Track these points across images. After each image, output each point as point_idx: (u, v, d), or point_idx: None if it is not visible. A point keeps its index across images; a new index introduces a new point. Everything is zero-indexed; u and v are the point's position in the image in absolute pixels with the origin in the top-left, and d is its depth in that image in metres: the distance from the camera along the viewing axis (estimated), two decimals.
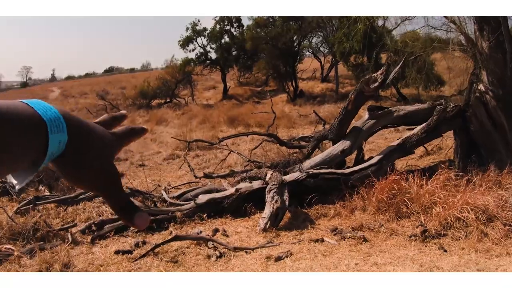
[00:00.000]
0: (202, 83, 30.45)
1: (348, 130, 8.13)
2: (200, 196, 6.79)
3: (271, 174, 6.58)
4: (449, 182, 6.73)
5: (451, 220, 5.83)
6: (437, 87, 18.92)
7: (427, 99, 13.53)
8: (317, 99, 20.69)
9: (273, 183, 6.22)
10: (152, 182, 9.04)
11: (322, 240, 5.62)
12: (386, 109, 8.21)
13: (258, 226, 5.92)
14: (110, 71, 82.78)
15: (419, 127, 7.80)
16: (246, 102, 22.48)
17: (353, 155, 8.44)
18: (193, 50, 26.34)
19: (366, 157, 8.58)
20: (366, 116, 8.12)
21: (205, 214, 6.53)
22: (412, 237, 5.60)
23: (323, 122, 10.75)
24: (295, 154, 10.15)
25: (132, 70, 74.46)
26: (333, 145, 8.17)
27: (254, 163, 8.28)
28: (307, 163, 7.91)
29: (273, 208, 5.87)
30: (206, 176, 7.83)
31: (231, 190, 6.80)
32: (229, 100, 23.48)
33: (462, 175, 6.95)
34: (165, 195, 7.19)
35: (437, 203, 6.32)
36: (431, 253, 5.23)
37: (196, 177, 7.92)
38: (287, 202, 6.06)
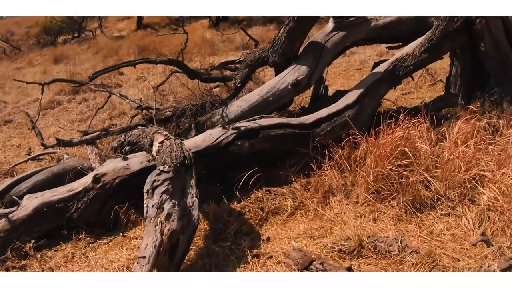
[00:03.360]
0: None
1: (302, 49, 4.52)
2: (25, 200, 3.02)
3: (163, 141, 2.91)
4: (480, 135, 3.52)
5: None
6: None
7: None
8: (243, 23, 16.66)
9: (164, 167, 2.55)
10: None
11: None
12: (359, 16, 4.60)
13: None
14: None
15: (414, 44, 4.39)
16: (162, 29, 18.04)
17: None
18: None
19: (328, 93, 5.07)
20: (330, 25, 4.50)
21: (33, 242, 2.85)
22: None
23: (254, 43, 7.03)
24: (216, 89, 6.48)
25: None
26: (276, 73, 4.57)
27: (150, 110, 4.54)
28: (235, 107, 4.32)
29: (161, 234, 2.23)
30: (61, 143, 4.04)
31: (85, 179, 3.09)
32: (144, 30, 18.92)
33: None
34: None
35: (483, 179, 3.06)
36: None
37: (44, 145, 4.13)
38: (195, 213, 2.42)
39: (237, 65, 5.28)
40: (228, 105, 4.41)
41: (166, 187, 2.38)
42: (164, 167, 2.49)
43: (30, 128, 7.15)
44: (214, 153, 3.27)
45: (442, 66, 6.54)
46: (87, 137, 4.05)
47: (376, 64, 5.38)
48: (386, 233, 2.82)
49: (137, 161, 3.11)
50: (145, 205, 2.35)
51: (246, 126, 3.41)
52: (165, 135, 2.92)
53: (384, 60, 4.98)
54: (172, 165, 2.51)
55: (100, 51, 15.51)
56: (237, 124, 3.43)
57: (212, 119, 4.32)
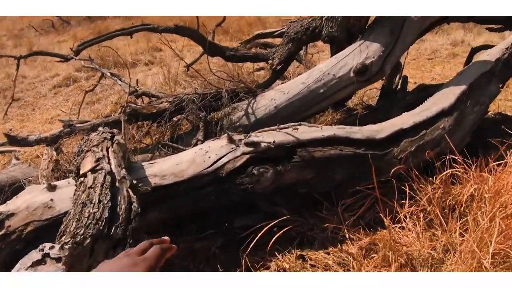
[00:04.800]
0: None
1: (372, 19, 2.98)
2: None
3: (85, 173, 1.49)
4: None
5: None
6: None
7: None
8: None
9: (52, 246, 1.13)
10: None
11: None
12: None
13: None
14: None
15: None
16: None
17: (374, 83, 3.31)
18: None
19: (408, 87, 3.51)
20: None
21: None
22: None
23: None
24: (260, 73, 5.20)
25: None
26: (333, 53, 3.04)
27: (153, 97, 3.19)
28: (267, 100, 2.85)
29: None
30: (13, 140, 2.75)
31: None
32: None
33: None
34: None
35: None
36: None
37: None
38: None
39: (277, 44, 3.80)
40: (258, 96, 2.94)
41: None
42: (52, 248, 1.08)
43: (33, 109, 6.07)
44: (207, 185, 1.84)
45: None
46: (46, 134, 2.72)
47: (475, 50, 3.78)
48: None
49: (69, 193, 1.72)
50: None
51: (269, 143, 1.93)
52: (97, 159, 1.49)
53: (488, 46, 3.43)
54: (69, 245, 1.10)
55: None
56: (255, 137, 1.95)
57: (231, 116, 2.87)
